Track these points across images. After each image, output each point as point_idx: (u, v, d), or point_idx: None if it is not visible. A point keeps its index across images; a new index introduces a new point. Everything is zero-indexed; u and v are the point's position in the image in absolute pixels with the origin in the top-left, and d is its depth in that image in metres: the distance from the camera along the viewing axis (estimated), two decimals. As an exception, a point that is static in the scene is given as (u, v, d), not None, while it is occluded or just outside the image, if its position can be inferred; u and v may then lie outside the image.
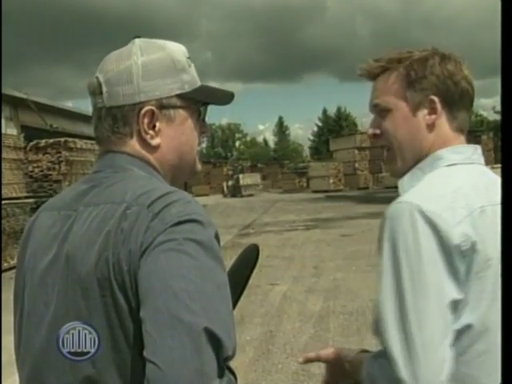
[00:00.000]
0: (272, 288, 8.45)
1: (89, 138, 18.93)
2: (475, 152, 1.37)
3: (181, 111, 1.25)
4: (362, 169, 38.51)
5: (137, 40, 1.27)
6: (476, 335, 1.18)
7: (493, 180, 1.33)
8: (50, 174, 14.93)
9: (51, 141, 15.21)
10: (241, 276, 1.37)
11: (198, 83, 1.30)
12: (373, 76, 1.41)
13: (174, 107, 1.24)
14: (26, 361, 1.17)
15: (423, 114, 1.35)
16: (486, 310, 1.18)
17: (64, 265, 1.11)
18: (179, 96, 1.25)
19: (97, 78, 1.24)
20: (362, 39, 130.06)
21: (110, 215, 1.09)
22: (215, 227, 1.08)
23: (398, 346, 1.13)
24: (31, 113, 19.17)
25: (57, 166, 14.97)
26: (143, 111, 1.20)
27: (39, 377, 1.14)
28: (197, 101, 1.29)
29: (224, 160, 65.52)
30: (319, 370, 5.07)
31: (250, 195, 37.91)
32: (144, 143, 1.23)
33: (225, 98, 1.38)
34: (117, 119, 1.21)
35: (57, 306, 1.11)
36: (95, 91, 1.23)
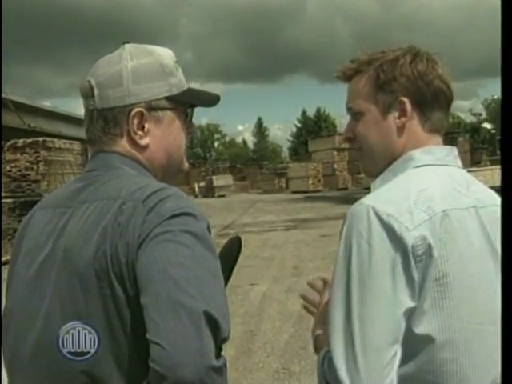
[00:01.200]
0: (252, 288, 8.50)
1: (67, 137, 18.78)
2: (450, 153, 1.34)
3: (169, 113, 1.32)
4: (340, 170, 38.67)
5: (126, 45, 1.33)
6: (438, 344, 1.15)
7: (468, 183, 1.30)
8: (29, 174, 14.80)
9: (29, 140, 15.08)
10: (225, 267, 1.42)
11: (186, 86, 1.36)
12: (347, 78, 1.40)
13: (163, 109, 1.31)
14: (20, 353, 1.20)
15: (393, 116, 1.32)
16: (449, 318, 1.15)
17: (60, 258, 1.16)
18: (167, 98, 1.31)
19: (89, 81, 1.30)
20: (342, 40, 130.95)
21: (106, 210, 1.15)
22: (207, 220, 1.15)
23: (341, 350, 1.12)
24: (9, 112, 18.97)
25: (35, 166, 14.85)
26: (133, 113, 1.27)
27: (33, 370, 1.17)
28: (184, 103, 1.35)
29: (203, 160, 65.47)
30: (299, 368, 5.15)
31: (222, 196, 38.24)
32: (134, 143, 1.29)
33: (211, 100, 1.44)
34: (108, 120, 1.27)
35: (52, 298, 1.15)
36: (87, 94, 1.29)
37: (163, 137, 1.32)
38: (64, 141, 16.71)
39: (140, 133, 1.28)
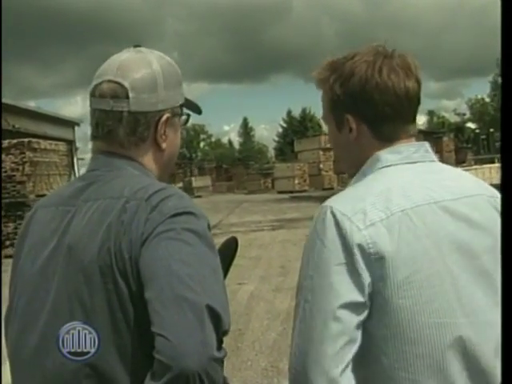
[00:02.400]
0: (240, 287, 8.51)
1: (53, 138, 18.66)
2: (419, 150, 1.32)
3: (178, 119, 1.40)
4: (326, 169, 38.71)
5: (143, 49, 1.37)
6: (406, 340, 1.16)
7: (439, 177, 1.30)
8: (14, 175, 14.68)
9: (14, 141, 14.95)
10: (222, 265, 1.47)
11: (185, 94, 1.43)
12: (318, 87, 1.41)
13: (178, 115, 1.39)
14: (23, 348, 1.23)
15: (346, 132, 1.34)
16: (412, 316, 1.16)
17: (65, 255, 1.20)
18: (180, 105, 1.39)
19: (118, 82, 1.29)
20: (328, 40, 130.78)
21: (109, 209, 1.19)
22: (207, 219, 1.21)
23: (295, 339, 1.18)
24: (-7, 113, 18.79)
25: (21, 167, 14.73)
26: (164, 118, 1.33)
27: (36, 363, 1.20)
28: (184, 110, 1.43)
29: (189, 161, 65.25)
30: (287, 366, 5.16)
31: (199, 196, 38.49)
32: (157, 147, 1.35)
33: (197, 108, 1.52)
34: (140, 124, 1.31)
35: (57, 293, 1.19)
36: (118, 95, 1.29)
37: (173, 141, 1.40)
38: (50, 142, 16.62)
39: (164, 137, 1.35)
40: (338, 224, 1.18)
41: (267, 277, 9.40)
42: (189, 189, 41.08)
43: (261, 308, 7.38)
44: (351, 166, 1.39)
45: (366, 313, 1.16)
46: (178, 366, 1.00)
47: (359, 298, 1.15)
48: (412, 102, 1.31)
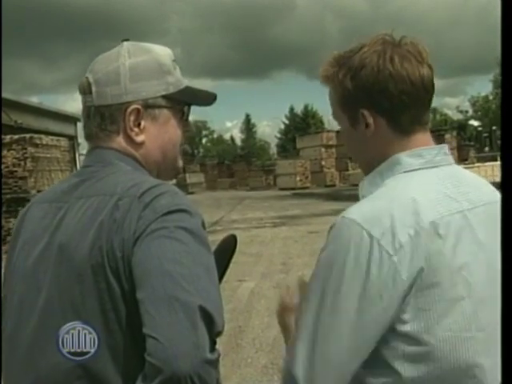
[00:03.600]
0: (240, 284, 8.52)
1: (54, 134, 18.65)
2: (439, 153, 1.28)
3: (165, 111, 1.34)
4: (328, 166, 38.73)
5: (125, 43, 1.35)
6: (423, 354, 1.13)
7: (458, 182, 1.26)
8: (16, 171, 14.70)
9: (16, 137, 14.96)
10: (220, 264, 1.44)
11: (183, 85, 1.38)
12: (325, 83, 1.36)
13: (159, 107, 1.33)
14: (16, 347, 1.21)
15: (361, 128, 1.28)
16: (431, 328, 1.13)
17: (56, 253, 1.18)
18: (164, 97, 1.33)
19: (87, 78, 1.31)
20: (331, 37, 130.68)
21: (102, 206, 1.17)
22: (201, 216, 1.17)
23: (304, 351, 1.14)
24: (-5, 108, 18.79)
25: (22, 163, 14.75)
26: (129, 110, 1.29)
27: (29, 363, 1.18)
28: (180, 101, 1.37)
29: (191, 157, 65.26)
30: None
31: (192, 193, 38.62)
32: (130, 140, 1.31)
33: (207, 99, 1.46)
34: (104, 117, 1.29)
35: (49, 292, 1.17)
36: (85, 90, 1.31)
37: (159, 135, 1.34)
38: (51, 137, 16.61)
39: (136, 130, 1.30)
40: (365, 247, 1.11)
41: (268, 274, 9.40)
42: (183, 185, 41.26)
43: (261, 305, 7.37)
44: (368, 164, 1.33)
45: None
46: (170, 369, 0.97)
47: (382, 330, 1.12)
48: (428, 89, 1.27)
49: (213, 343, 1.04)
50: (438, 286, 1.13)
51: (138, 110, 1.29)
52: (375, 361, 1.15)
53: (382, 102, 1.24)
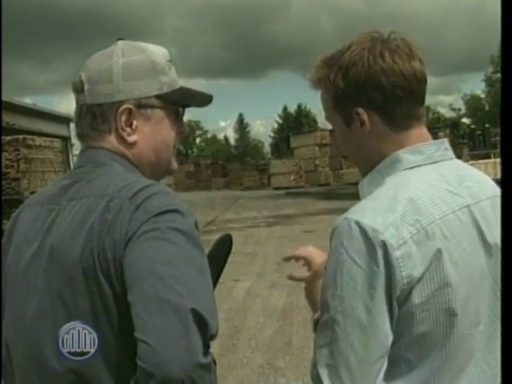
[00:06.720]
0: (236, 284, 8.50)
1: (48, 135, 18.59)
2: (439, 148, 1.27)
3: (158, 111, 1.32)
4: (322, 165, 38.71)
5: (119, 42, 1.33)
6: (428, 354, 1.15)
7: (460, 177, 1.26)
8: (9, 172, 14.66)
9: (9, 138, 14.93)
10: (216, 264, 1.42)
11: (178, 85, 1.36)
12: (315, 88, 1.35)
13: (152, 107, 1.31)
14: (11, 350, 1.21)
15: (356, 127, 1.27)
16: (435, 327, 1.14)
17: (48, 255, 1.16)
18: (158, 97, 1.31)
19: (80, 76, 1.30)
20: (326, 35, 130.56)
21: (93, 208, 1.15)
22: (194, 217, 1.15)
23: (326, 359, 1.13)
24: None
25: (15, 164, 14.71)
26: (121, 109, 1.27)
27: (24, 367, 1.18)
28: (175, 102, 1.35)
29: (185, 157, 65.25)
30: (284, 363, 5.16)
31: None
32: (121, 140, 1.29)
33: (203, 100, 1.45)
34: (96, 116, 1.28)
35: (40, 295, 1.16)
36: (77, 89, 1.30)
37: (151, 135, 1.32)
38: (44, 138, 16.58)
39: (128, 129, 1.29)
40: (370, 241, 1.11)
41: (263, 273, 9.38)
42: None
43: (257, 305, 7.37)
44: (366, 164, 1.31)
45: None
46: (161, 374, 0.95)
47: (390, 322, 1.12)
48: (421, 82, 1.25)
49: (206, 346, 1.02)
50: (441, 283, 1.13)
51: (129, 110, 1.28)
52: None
53: (376, 97, 1.23)
